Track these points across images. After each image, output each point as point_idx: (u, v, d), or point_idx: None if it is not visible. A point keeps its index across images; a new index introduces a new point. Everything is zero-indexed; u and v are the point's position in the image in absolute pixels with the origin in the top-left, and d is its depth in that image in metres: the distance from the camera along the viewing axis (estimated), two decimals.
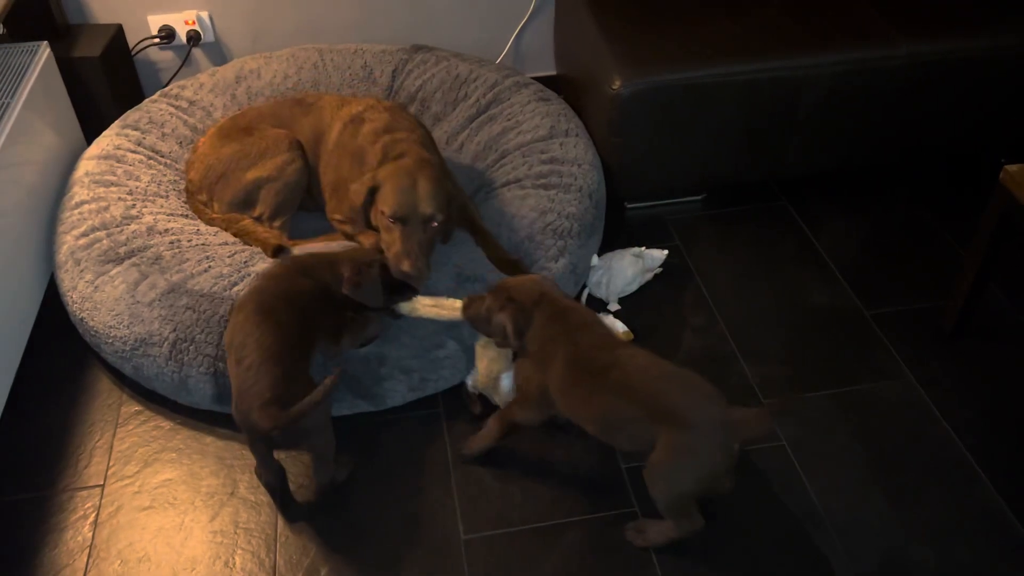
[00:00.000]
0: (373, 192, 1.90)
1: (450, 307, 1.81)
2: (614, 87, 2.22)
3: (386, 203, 1.87)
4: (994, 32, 2.33)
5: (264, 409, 1.58)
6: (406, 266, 1.81)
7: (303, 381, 1.65)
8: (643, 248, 2.21)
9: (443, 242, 1.96)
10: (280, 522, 1.74)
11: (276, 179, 2.15)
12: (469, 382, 1.92)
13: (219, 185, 2.19)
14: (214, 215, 2.20)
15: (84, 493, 1.80)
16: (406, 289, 1.83)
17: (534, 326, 1.66)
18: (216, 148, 2.21)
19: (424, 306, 1.84)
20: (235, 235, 2.14)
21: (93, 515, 1.76)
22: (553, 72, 2.91)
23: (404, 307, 1.85)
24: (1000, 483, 1.77)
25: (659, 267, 2.22)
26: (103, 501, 1.78)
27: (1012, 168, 1.81)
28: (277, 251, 2.06)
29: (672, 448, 1.51)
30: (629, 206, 2.51)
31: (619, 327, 2.05)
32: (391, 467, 1.83)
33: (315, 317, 1.76)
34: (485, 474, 1.81)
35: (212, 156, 2.20)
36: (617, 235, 2.36)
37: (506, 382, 1.85)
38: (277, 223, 2.17)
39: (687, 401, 1.52)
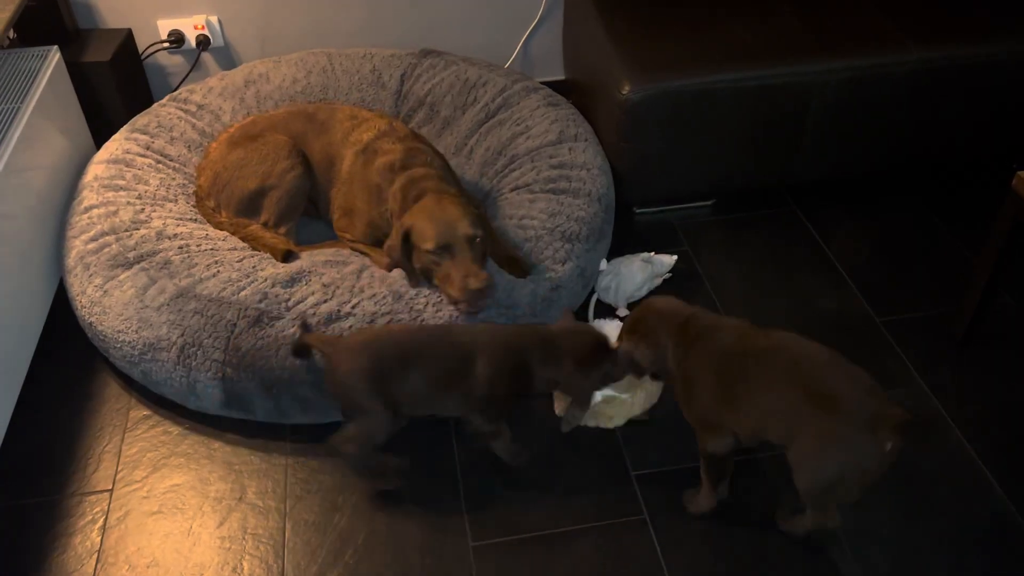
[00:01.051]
0: (407, 238, 1.90)
1: (628, 384, 1.78)
2: (623, 92, 2.21)
3: (426, 240, 1.86)
4: (1004, 38, 2.32)
5: None
6: (475, 283, 1.79)
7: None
8: (652, 253, 2.21)
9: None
10: (288, 528, 1.74)
11: (277, 187, 2.16)
12: (558, 411, 1.89)
13: (224, 192, 2.20)
14: (222, 219, 2.20)
15: (93, 498, 1.80)
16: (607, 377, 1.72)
17: (667, 351, 1.62)
18: (224, 155, 2.23)
19: (599, 406, 1.83)
20: (243, 240, 2.15)
21: (101, 520, 1.76)
22: (562, 77, 2.91)
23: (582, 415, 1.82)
24: (1011, 490, 1.76)
25: (668, 272, 2.22)
26: (111, 506, 1.78)
27: None
28: (287, 256, 2.07)
29: (822, 435, 1.45)
30: (638, 211, 2.51)
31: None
32: (399, 474, 1.83)
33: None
34: (494, 481, 1.81)
35: (220, 163, 2.22)
36: (626, 240, 2.35)
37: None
38: (283, 229, 2.18)
39: (846, 389, 1.46)
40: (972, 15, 2.39)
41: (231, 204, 2.20)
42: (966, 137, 2.45)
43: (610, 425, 1.90)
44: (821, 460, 1.48)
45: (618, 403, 1.87)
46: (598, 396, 1.84)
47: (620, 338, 1.69)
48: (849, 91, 2.29)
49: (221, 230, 2.19)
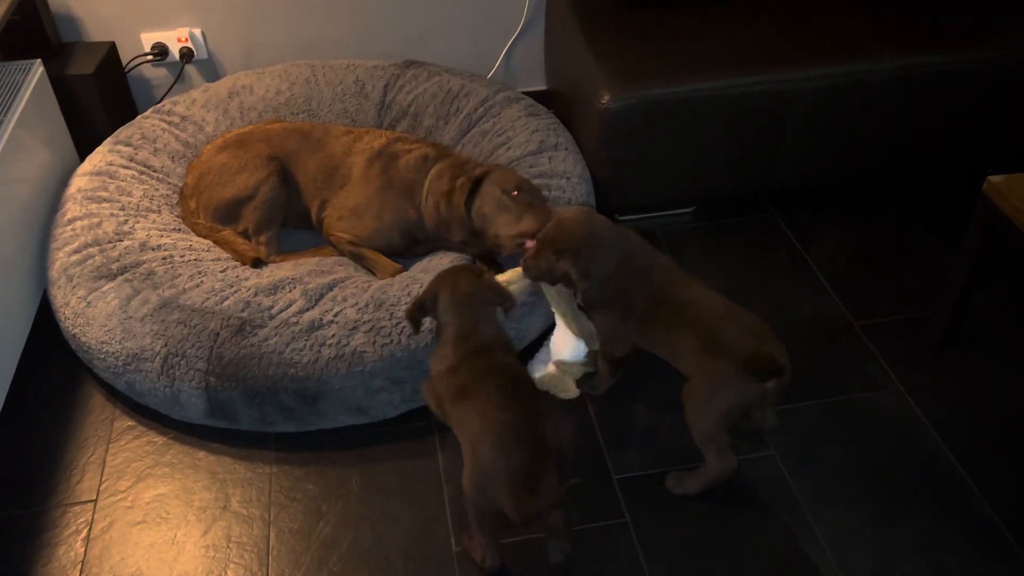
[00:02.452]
0: (478, 184, 2.00)
1: (517, 277, 1.86)
2: (603, 102, 2.24)
3: (506, 183, 1.97)
4: (979, 46, 2.36)
5: (516, 495, 1.49)
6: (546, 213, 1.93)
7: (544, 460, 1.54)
8: None
9: None
10: (272, 536, 1.74)
11: (253, 197, 2.20)
12: (536, 376, 1.96)
13: (204, 196, 2.24)
14: (198, 221, 2.25)
15: (77, 508, 1.80)
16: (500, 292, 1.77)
17: (601, 272, 1.73)
18: (211, 157, 2.27)
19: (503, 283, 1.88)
20: (215, 243, 2.19)
21: (86, 530, 1.76)
22: (544, 87, 2.93)
23: None
24: (988, 491, 1.78)
25: None
26: (95, 516, 1.78)
27: (995, 179, 1.83)
28: (255, 263, 2.12)
29: (707, 374, 1.65)
30: (620, 218, 2.53)
31: None
32: (383, 479, 1.84)
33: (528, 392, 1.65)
34: None
35: (206, 164, 2.27)
36: None
37: (570, 353, 1.94)
38: (263, 238, 2.21)
39: (735, 336, 1.64)
40: (948, 24, 2.42)
41: (208, 209, 2.24)
42: (942, 143, 2.48)
43: (568, 395, 1.97)
44: (708, 396, 1.66)
45: (565, 374, 1.96)
46: (548, 368, 1.95)
47: (548, 248, 1.74)
48: (827, 99, 2.32)
49: (197, 231, 2.22)
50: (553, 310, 1.94)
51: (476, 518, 1.60)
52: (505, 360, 1.66)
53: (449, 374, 1.64)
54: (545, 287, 1.89)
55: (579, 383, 1.98)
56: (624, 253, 1.75)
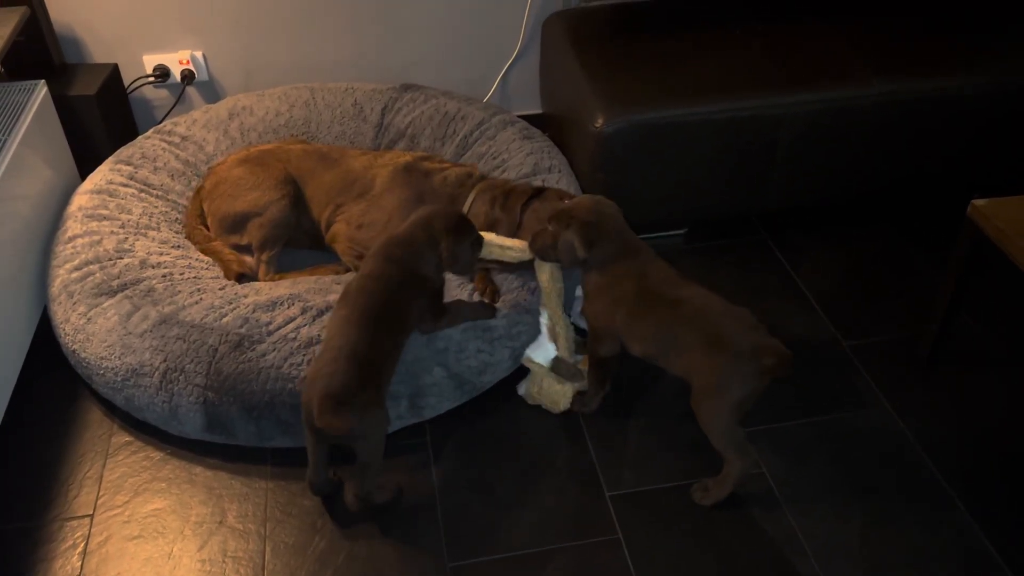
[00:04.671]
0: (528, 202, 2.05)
1: (520, 247, 1.93)
2: (597, 125, 2.28)
3: (563, 196, 2.04)
4: (962, 72, 2.41)
5: (325, 403, 1.61)
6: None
7: (379, 381, 1.69)
8: None
9: None
10: (268, 550, 1.76)
11: (260, 214, 2.23)
12: (522, 391, 2.02)
13: (215, 204, 2.29)
14: (198, 226, 2.30)
15: (74, 523, 1.81)
16: (477, 244, 1.90)
17: (601, 253, 1.82)
18: (232, 166, 2.32)
19: (492, 245, 1.93)
20: (203, 253, 2.25)
21: (82, 545, 1.77)
22: (539, 110, 2.98)
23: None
24: (975, 508, 1.81)
25: None
26: (92, 531, 1.80)
27: (979, 202, 1.87)
28: (239, 278, 2.17)
29: (713, 370, 1.71)
30: None
31: None
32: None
33: (405, 304, 1.80)
34: (471, 502, 1.84)
35: (225, 172, 2.31)
36: None
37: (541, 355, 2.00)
38: (265, 256, 2.24)
39: (733, 330, 1.72)
40: (934, 50, 2.48)
41: (215, 216, 2.28)
42: (928, 166, 2.53)
43: (557, 409, 2.01)
44: (720, 390, 1.71)
45: (558, 387, 2.00)
46: (544, 383, 2.00)
47: (562, 221, 1.83)
48: (816, 123, 2.37)
49: (192, 236, 2.29)
50: (541, 308, 1.98)
51: (303, 420, 1.70)
52: (395, 293, 1.78)
53: (359, 273, 1.83)
54: (542, 281, 1.94)
55: (572, 402, 2.00)
56: (627, 240, 1.85)
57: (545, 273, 1.94)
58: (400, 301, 1.79)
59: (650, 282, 1.81)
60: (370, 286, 1.78)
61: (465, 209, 2.12)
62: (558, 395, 2.00)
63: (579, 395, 2.00)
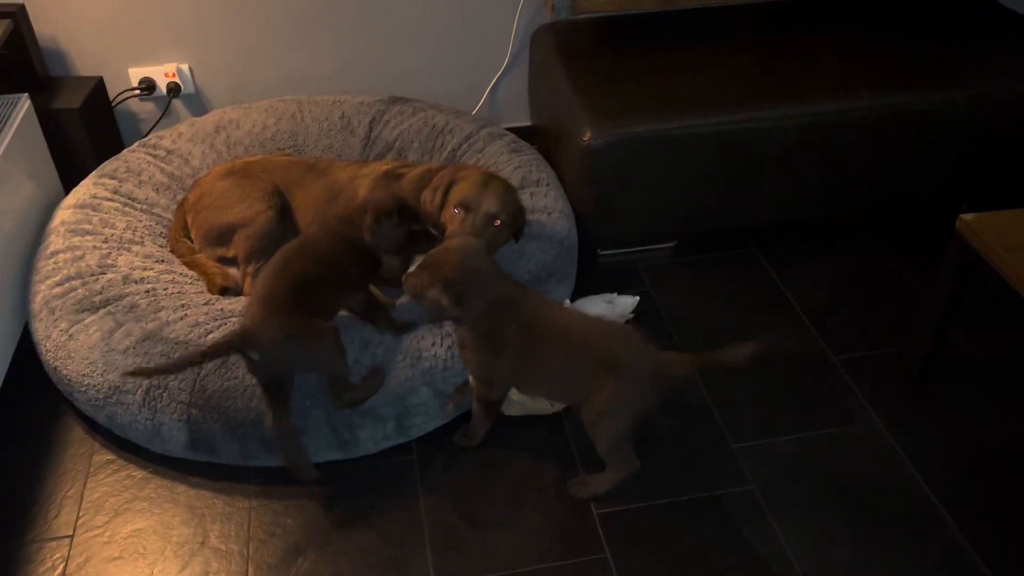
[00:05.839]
0: (447, 192, 2.03)
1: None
2: (585, 139, 2.27)
3: (456, 195, 2.00)
4: (952, 86, 2.41)
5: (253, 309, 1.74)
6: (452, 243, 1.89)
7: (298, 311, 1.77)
8: (615, 294, 2.25)
9: (515, 240, 2.09)
10: (251, 571, 1.73)
11: (247, 226, 2.21)
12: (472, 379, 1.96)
13: (200, 215, 2.27)
14: (181, 239, 2.29)
15: (53, 544, 1.79)
16: (421, 238, 1.92)
17: (472, 310, 1.74)
18: (216, 179, 2.30)
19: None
20: (187, 266, 2.23)
21: (61, 566, 1.74)
22: (528, 123, 2.97)
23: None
24: (964, 525, 1.80)
25: (631, 313, 2.25)
26: (72, 552, 1.77)
27: (967, 217, 1.87)
28: (223, 291, 2.16)
29: (614, 390, 1.70)
30: (602, 253, 2.56)
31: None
32: (363, 515, 1.83)
33: (341, 269, 1.87)
34: (458, 522, 1.82)
35: (210, 185, 2.29)
36: (590, 281, 2.39)
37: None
38: (251, 268, 2.22)
39: (627, 350, 1.73)
40: (923, 64, 2.48)
41: (201, 229, 2.26)
42: (917, 181, 2.52)
43: (543, 412, 2.01)
44: (616, 410, 1.73)
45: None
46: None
47: (427, 270, 1.76)
48: (805, 136, 2.36)
49: (176, 248, 2.27)
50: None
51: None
52: (321, 249, 1.89)
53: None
54: None
55: (455, 435, 1.97)
56: (499, 292, 1.76)
57: None
58: (328, 258, 1.86)
59: (528, 318, 1.75)
60: (296, 242, 1.91)
61: (421, 202, 2.13)
62: (540, 400, 1.98)
63: (464, 427, 1.96)
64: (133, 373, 1.78)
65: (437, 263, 1.74)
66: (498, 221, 1.97)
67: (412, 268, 1.81)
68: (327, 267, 1.85)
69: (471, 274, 1.73)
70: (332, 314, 1.90)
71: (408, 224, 1.91)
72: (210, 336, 1.94)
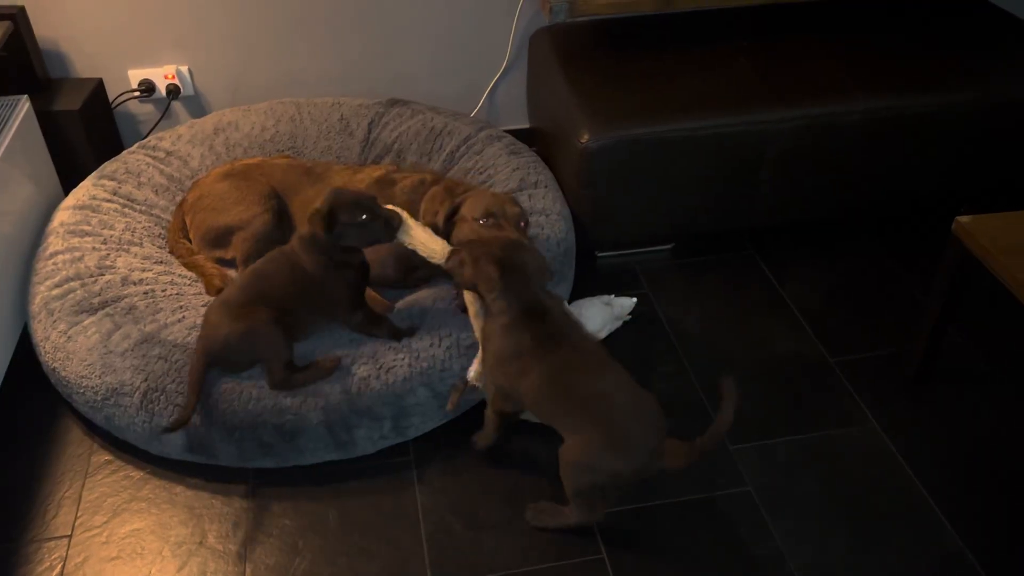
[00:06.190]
0: (453, 213, 2.01)
1: (440, 253, 1.87)
2: (583, 141, 2.28)
3: (475, 210, 1.98)
4: (948, 89, 2.41)
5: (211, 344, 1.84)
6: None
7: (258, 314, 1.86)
8: (613, 296, 2.25)
9: None
10: (248, 572, 1.73)
11: (244, 228, 2.22)
12: (471, 375, 1.94)
13: (198, 217, 2.27)
14: (180, 240, 2.30)
15: (51, 544, 1.79)
16: (392, 223, 1.87)
17: (513, 291, 1.71)
18: (215, 181, 2.31)
19: (417, 238, 1.88)
20: (185, 267, 2.24)
21: (60, 566, 1.75)
22: (526, 125, 2.98)
23: (400, 235, 1.90)
24: (961, 527, 1.80)
25: (628, 315, 2.26)
26: (70, 552, 1.77)
27: (963, 219, 1.87)
28: (219, 292, 2.14)
29: (602, 449, 1.64)
30: (600, 255, 2.56)
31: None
32: (361, 515, 1.84)
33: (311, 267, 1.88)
34: (455, 523, 1.82)
35: (208, 187, 2.30)
36: (588, 283, 2.40)
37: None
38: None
39: (636, 429, 1.64)
40: (919, 67, 2.49)
41: (199, 230, 2.27)
42: (914, 183, 2.53)
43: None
44: (598, 467, 1.65)
45: None
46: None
47: (475, 247, 1.76)
48: (802, 139, 2.37)
49: (175, 249, 2.28)
50: (473, 322, 1.91)
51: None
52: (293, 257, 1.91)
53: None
54: (468, 300, 1.89)
55: (472, 438, 1.95)
56: (537, 287, 1.75)
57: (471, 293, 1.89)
58: (297, 263, 1.89)
59: (554, 329, 1.71)
60: (269, 255, 1.95)
61: (420, 215, 2.13)
62: None
63: (477, 435, 1.94)
64: (170, 430, 1.82)
65: (486, 241, 1.77)
66: (523, 223, 1.99)
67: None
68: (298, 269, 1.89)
69: (520, 258, 1.75)
70: (305, 330, 1.96)
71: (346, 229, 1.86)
72: None
